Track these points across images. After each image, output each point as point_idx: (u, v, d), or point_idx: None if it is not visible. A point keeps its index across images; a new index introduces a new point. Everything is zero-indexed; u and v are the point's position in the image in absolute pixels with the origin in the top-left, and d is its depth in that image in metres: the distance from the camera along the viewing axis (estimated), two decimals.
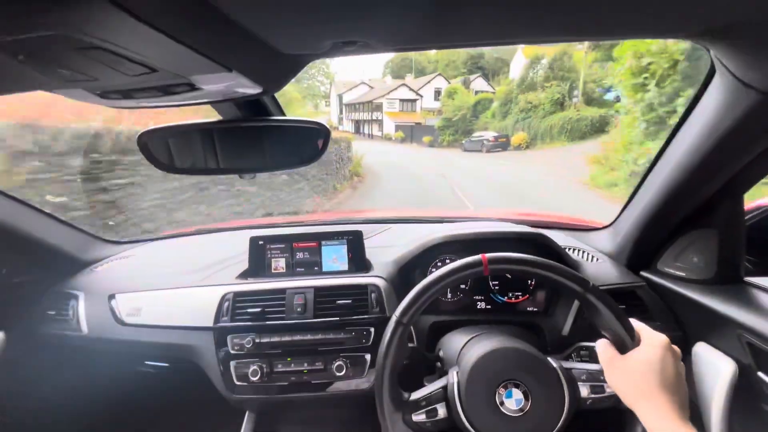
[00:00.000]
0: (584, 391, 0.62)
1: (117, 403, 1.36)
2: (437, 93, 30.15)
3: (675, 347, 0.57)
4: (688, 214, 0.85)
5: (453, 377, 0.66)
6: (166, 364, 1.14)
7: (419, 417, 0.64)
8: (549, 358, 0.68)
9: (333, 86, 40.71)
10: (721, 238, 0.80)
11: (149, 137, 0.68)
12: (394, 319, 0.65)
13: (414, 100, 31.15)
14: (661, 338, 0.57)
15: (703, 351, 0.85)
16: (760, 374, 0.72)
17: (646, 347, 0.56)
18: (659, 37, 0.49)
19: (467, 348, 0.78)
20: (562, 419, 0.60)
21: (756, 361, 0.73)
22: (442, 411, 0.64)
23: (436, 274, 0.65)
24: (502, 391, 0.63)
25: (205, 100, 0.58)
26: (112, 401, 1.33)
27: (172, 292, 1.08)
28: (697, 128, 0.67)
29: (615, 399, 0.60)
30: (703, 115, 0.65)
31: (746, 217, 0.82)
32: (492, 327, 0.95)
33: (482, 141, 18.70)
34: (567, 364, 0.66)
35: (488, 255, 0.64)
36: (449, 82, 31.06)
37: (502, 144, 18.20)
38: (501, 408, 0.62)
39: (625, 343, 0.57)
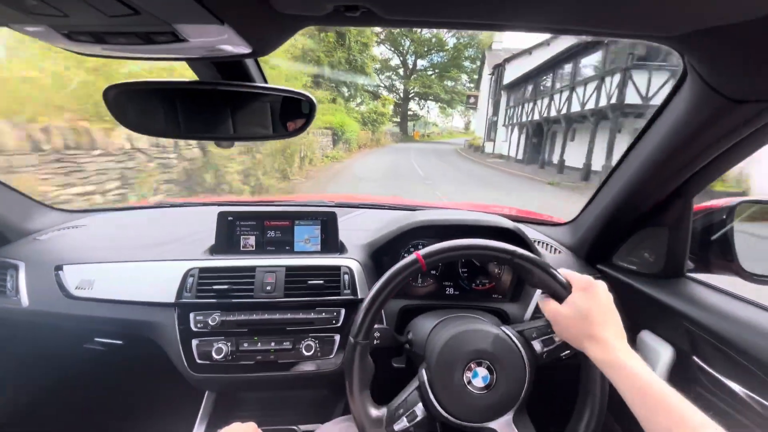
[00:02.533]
0: (538, 347, 0.66)
1: (62, 383, 1.26)
2: None
3: (601, 282, 0.62)
4: (644, 213, 0.92)
5: (423, 375, 0.68)
6: (119, 342, 1.07)
7: (401, 425, 0.65)
8: (502, 327, 0.71)
9: (486, 57, 27.46)
10: (671, 236, 0.88)
11: (118, 91, 0.62)
12: (351, 341, 0.66)
13: None
14: (588, 279, 0.62)
15: (646, 338, 0.93)
16: (695, 358, 0.80)
17: (577, 291, 0.61)
18: (638, 38, 0.52)
19: (434, 333, 0.80)
20: (526, 381, 0.64)
21: (692, 347, 0.82)
22: (420, 411, 0.65)
23: (377, 285, 0.66)
24: (468, 373, 0.65)
25: (186, 56, 0.54)
26: (56, 381, 1.24)
27: (130, 266, 1.01)
28: (663, 130, 0.73)
29: (565, 345, 0.64)
30: (669, 117, 0.71)
31: (693, 218, 0.90)
32: (458, 312, 0.99)
33: None
34: (518, 327, 0.70)
35: (422, 251, 0.67)
36: None
37: None
38: (469, 388, 0.64)
39: (560, 293, 0.62)
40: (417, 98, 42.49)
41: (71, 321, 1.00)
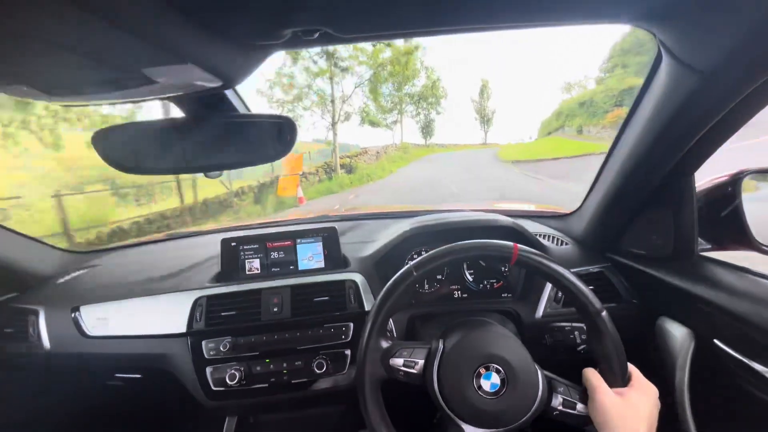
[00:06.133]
0: (556, 401, 0.62)
1: (87, 420, 1.29)
2: None
3: (656, 391, 0.60)
4: (645, 195, 0.89)
5: (439, 344, 0.67)
6: (138, 376, 1.10)
7: (396, 361, 0.65)
8: (534, 362, 0.68)
9: None
10: (676, 216, 0.85)
11: (105, 136, 0.64)
12: (409, 268, 0.67)
13: None
14: (654, 390, 0.60)
15: (665, 324, 0.89)
16: (716, 341, 0.77)
17: (641, 394, 0.58)
18: (604, 22, 0.51)
19: (453, 328, 0.76)
20: (525, 417, 0.61)
21: (712, 330, 0.78)
22: (418, 367, 0.65)
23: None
24: (483, 370, 0.63)
25: (163, 95, 0.56)
26: (80, 419, 1.27)
27: (140, 301, 1.04)
28: (647, 113, 0.71)
29: (583, 421, 0.61)
30: (651, 100, 0.69)
31: (699, 196, 0.87)
32: (472, 314, 0.97)
33: None
34: (548, 374, 0.66)
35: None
36: None
37: None
38: (474, 383, 0.62)
39: (615, 380, 0.60)
40: None
41: (91, 360, 1.03)
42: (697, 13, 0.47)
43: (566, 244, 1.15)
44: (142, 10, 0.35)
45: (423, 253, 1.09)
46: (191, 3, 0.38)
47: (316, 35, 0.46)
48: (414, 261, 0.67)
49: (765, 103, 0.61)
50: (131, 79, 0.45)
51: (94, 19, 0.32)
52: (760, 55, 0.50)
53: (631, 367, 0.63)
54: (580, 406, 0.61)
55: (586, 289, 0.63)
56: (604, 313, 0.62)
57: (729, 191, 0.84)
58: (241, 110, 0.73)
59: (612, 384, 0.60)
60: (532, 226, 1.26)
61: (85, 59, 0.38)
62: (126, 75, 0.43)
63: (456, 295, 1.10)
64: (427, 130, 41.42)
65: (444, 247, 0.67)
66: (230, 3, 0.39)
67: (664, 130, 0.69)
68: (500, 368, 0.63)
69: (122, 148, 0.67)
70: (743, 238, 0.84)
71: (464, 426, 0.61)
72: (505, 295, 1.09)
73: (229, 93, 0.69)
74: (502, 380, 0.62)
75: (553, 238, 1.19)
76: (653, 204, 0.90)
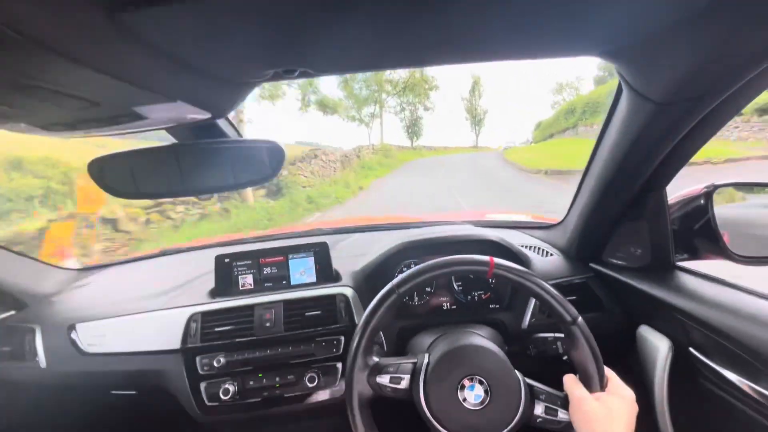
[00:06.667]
0: (539, 409, 0.64)
1: None
2: None
3: (632, 395, 0.62)
4: (622, 207, 0.93)
5: (424, 358, 0.69)
6: (134, 392, 1.11)
7: (383, 379, 0.66)
8: (515, 371, 0.70)
9: None
10: (651, 228, 0.89)
11: (101, 165, 0.67)
12: (391, 286, 0.69)
13: None
14: (630, 393, 0.62)
15: (645, 333, 0.92)
16: (692, 350, 0.80)
17: (618, 398, 0.61)
18: (572, 56, 0.55)
19: (438, 342, 0.80)
20: (509, 426, 0.63)
21: (688, 339, 0.81)
22: (404, 383, 0.67)
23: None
24: (466, 382, 0.66)
25: (156, 127, 0.60)
26: None
27: (136, 317, 1.06)
28: (612, 138, 0.76)
29: (565, 427, 0.63)
30: (615, 126, 0.74)
31: (674, 209, 0.91)
32: (459, 326, 0.99)
33: None
34: (530, 381, 0.68)
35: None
36: None
37: None
38: (459, 395, 0.65)
39: (594, 385, 0.62)
40: None
41: (87, 377, 1.04)
42: (650, 52, 0.51)
43: (550, 254, 1.19)
44: (131, 56, 0.38)
45: (412, 266, 1.11)
46: (179, 48, 0.41)
47: (297, 73, 0.49)
48: (395, 279, 0.70)
49: (717, 129, 0.65)
50: (124, 116, 0.48)
51: (86, 69, 0.35)
52: (705, 88, 0.54)
53: (609, 372, 0.65)
54: (561, 413, 0.64)
55: (561, 299, 0.66)
56: (579, 320, 0.65)
57: (701, 203, 0.88)
58: (232, 135, 0.76)
59: (591, 389, 0.62)
60: (519, 238, 1.29)
61: (81, 101, 0.41)
62: (119, 114, 0.47)
63: (445, 307, 1.13)
64: (413, 129, 35.05)
65: (423, 264, 0.70)
66: (217, 48, 0.43)
67: (628, 152, 0.74)
68: (482, 379, 0.66)
69: (120, 176, 0.70)
70: (717, 249, 0.88)
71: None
72: (493, 306, 1.12)
73: (219, 120, 0.72)
74: (486, 391, 0.65)
75: (539, 249, 1.22)
76: (630, 216, 0.93)
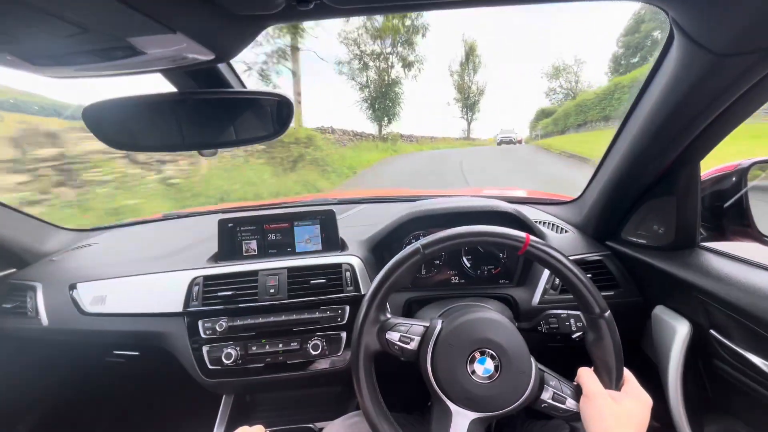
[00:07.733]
0: (546, 395, 0.62)
1: (85, 396, 1.32)
2: None
3: (650, 400, 0.59)
4: (649, 183, 0.87)
5: (437, 324, 0.67)
6: (137, 353, 1.11)
7: (392, 336, 0.65)
8: (529, 353, 0.67)
9: None
10: (679, 205, 0.84)
11: (97, 111, 0.63)
12: (417, 246, 0.65)
13: None
14: (648, 399, 0.59)
15: (661, 313, 0.89)
16: (712, 332, 0.77)
17: (636, 401, 0.58)
18: None
19: (451, 311, 0.76)
20: (514, 405, 0.61)
21: (709, 320, 0.78)
22: (413, 344, 0.65)
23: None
24: (477, 354, 0.63)
25: (152, 68, 0.54)
26: (79, 394, 1.29)
27: (138, 279, 1.04)
28: (656, 96, 0.69)
29: (570, 416, 0.61)
30: (661, 82, 0.66)
31: (703, 185, 0.85)
32: (470, 299, 0.96)
33: None
34: (542, 366, 0.66)
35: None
36: None
37: None
38: (468, 366, 0.62)
39: (609, 382, 0.59)
40: None
41: (89, 336, 1.04)
42: None
43: (565, 231, 1.14)
44: None
45: (421, 237, 1.08)
46: None
47: (312, 5, 0.43)
48: (423, 239, 0.65)
49: None
50: (118, 49, 0.43)
51: None
52: None
53: (627, 373, 0.62)
54: (570, 402, 0.61)
55: (594, 289, 0.62)
56: (608, 313, 0.61)
57: (734, 181, 0.82)
58: (236, 86, 0.71)
59: (606, 386, 0.59)
60: (531, 213, 1.25)
61: (69, 25, 0.36)
62: (112, 45, 0.42)
63: (453, 281, 1.10)
64: (381, 105, 20.57)
65: (454, 229, 0.65)
66: None
67: (674, 113, 0.67)
68: (495, 354, 0.63)
69: (116, 124, 0.66)
70: (746, 230, 0.83)
71: (452, 407, 0.61)
72: (503, 281, 1.09)
73: (222, 68, 0.66)
74: (496, 366, 0.62)
75: (553, 225, 1.18)
76: (656, 192, 0.88)
